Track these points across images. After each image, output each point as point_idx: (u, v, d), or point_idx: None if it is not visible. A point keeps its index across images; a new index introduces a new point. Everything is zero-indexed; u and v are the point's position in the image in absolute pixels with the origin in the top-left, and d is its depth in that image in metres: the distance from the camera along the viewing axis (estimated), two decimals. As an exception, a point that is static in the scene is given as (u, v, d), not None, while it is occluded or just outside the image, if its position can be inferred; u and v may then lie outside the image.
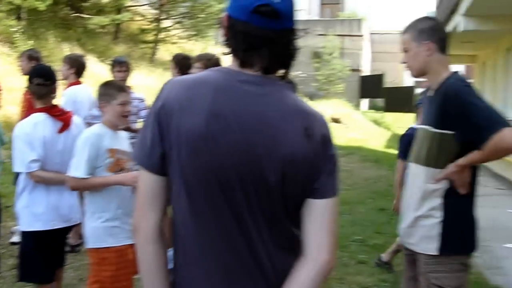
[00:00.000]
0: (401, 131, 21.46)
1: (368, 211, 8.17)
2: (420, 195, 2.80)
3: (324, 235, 1.55)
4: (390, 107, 25.60)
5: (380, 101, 28.17)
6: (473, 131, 2.56)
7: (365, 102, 29.55)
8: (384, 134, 21.43)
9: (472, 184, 2.78)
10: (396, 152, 5.19)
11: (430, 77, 2.84)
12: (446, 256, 2.75)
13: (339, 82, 25.92)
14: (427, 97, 2.92)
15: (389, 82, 28.43)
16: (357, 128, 20.33)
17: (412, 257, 2.94)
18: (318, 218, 1.55)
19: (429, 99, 2.87)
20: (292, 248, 1.57)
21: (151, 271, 1.57)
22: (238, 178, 1.48)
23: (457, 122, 2.63)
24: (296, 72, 23.27)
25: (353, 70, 27.25)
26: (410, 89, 25.00)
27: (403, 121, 23.02)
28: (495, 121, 2.52)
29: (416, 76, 2.93)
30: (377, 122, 24.43)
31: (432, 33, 2.78)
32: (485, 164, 14.13)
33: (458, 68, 29.02)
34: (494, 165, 13.52)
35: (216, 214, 1.50)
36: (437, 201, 2.75)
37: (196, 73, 1.61)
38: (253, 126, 1.47)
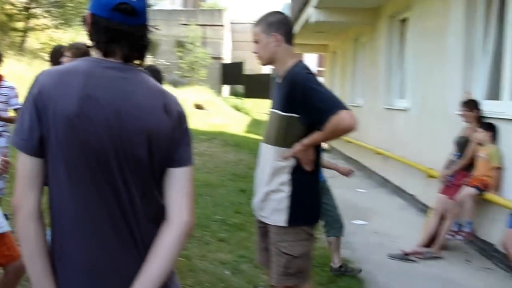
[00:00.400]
0: (260, 116, 22.08)
1: (228, 193, 8.39)
2: (270, 172, 3.01)
3: (184, 199, 1.72)
4: (249, 94, 26.25)
5: (240, 88, 28.77)
6: (315, 114, 2.82)
7: (226, 89, 30.01)
8: (244, 119, 21.91)
9: (315, 162, 3.02)
10: (255, 136, 5.41)
11: (277, 65, 3.06)
12: (293, 227, 2.99)
13: (202, 70, 26.13)
14: (275, 83, 3.12)
15: (248, 69, 29.08)
16: (219, 114, 20.61)
17: (265, 229, 3.14)
18: (178, 185, 1.72)
19: (277, 85, 3.07)
20: (160, 219, 1.72)
21: (33, 248, 1.65)
22: (112, 153, 1.63)
23: (301, 106, 2.86)
24: (160, 60, 23.07)
25: (215, 58, 27.64)
26: (268, 76, 25.71)
27: (262, 107, 23.70)
28: (333, 105, 2.77)
29: (265, 64, 3.16)
30: (237, 108, 24.95)
31: (279, 26, 3.00)
32: (338, 148, 15.01)
33: (311, 56, 30.36)
34: (345, 149, 14.41)
35: (94, 187, 1.63)
36: (286, 177, 2.98)
37: (67, 62, 1.79)
38: (121, 105, 1.64)
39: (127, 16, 1.66)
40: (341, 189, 9.86)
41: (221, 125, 17.81)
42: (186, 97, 19.55)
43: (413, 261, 5.94)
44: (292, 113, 2.91)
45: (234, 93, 30.07)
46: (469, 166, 6.02)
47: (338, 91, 16.07)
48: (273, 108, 3.07)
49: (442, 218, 6.17)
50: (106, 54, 1.70)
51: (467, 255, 6.22)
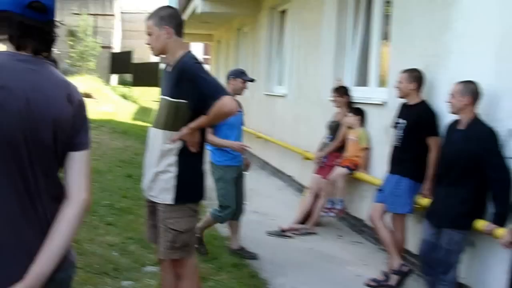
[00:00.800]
0: (148, 104, 21.58)
1: (116, 178, 8.27)
2: (159, 154, 3.11)
3: (82, 179, 1.82)
4: (137, 82, 25.69)
5: (128, 76, 28.02)
6: (201, 100, 2.98)
7: (115, 78, 29.12)
8: (131, 107, 21.46)
9: (201, 144, 3.16)
10: (142, 124, 5.41)
11: (168, 56, 3.19)
12: (180, 204, 3.11)
13: (91, 59, 25.14)
14: (166, 72, 3.23)
15: (137, 58, 28.36)
16: (108, 102, 19.96)
17: (153, 207, 3.23)
18: (77, 166, 1.82)
19: (167, 73, 3.20)
20: (61, 198, 1.80)
21: None
22: (22, 138, 1.70)
23: (189, 92, 3.01)
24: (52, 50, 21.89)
25: (105, 47, 26.68)
26: (155, 65, 25.25)
27: (150, 95, 23.29)
28: (217, 91, 2.97)
29: (157, 55, 3.33)
30: (125, 96, 24.36)
31: (170, 20, 3.15)
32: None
33: (198, 45, 30.20)
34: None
35: (4, 169, 1.70)
36: (173, 158, 3.09)
37: None
38: (31, 95, 1.72)
39: (38, 13, 1.76)
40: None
41: (109, 113, 17.30)
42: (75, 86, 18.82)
43: (289, 237, 6.08)
44: (181, 99, 3.04)
45: (122, 82, 29.22)
46: (341, 148, 6.23)
47: (222, 78, 16.07)
48: (163, 95, 3.17)
49: (316, 197, 6.34)
50: (18, 47, 1.78)
51: (339, 231, 6.46)
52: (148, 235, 3.39)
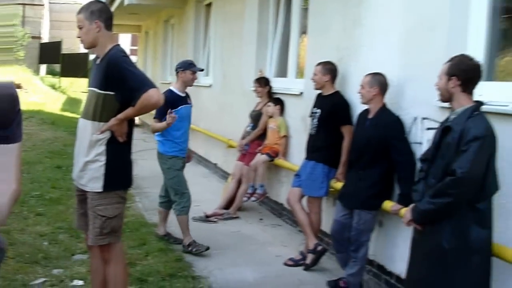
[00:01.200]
0: (76, 95, 20.86)
1: (45, 169, 8.10)
2: (88, 144, 3.12)
3: (14, 170, 1.83)
4: (66, 73, 24.76)
5: (57, 67, 26.94)
6: (128, 92, 3.00)
7: (43, 68, 27.92)
8: (60, 98, 20.71)
9: (129, 134, 3.19)
10: (71, 115, 5.40)
11: (98, 48, 3.20)
12: (108, 191, 3.13)
13: (20, 49, 23.90)
14: (95, 64, 3.23)
15: (66, 48, 27.28)
16: (37, 93, 19.14)
17: (83, 196, 3.23)
18: (10, 159, 1.82)
19: (96, 66, 3.20)
20: None
21: None
22: None
23: (116, 85, 3.03)
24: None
25: (34, 37, 25.44)
26: (84, 56, 24.40)
27: (78, 86, 22.58)
28: (144, 84, 3.00)
29: (87, 48, 3.33)
30: (54, 87, 23.43)
31: (100, 14, 3.16)
32: (148, 122, 14.68)
33: (126, 36, 29.47)
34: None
35: None
36: (102, 148, 3.11)
37: None
38: None
39: None
40: (151, 161, 9.81)
41: (39, 103, 16.64)
42: (3, 77, 17.88)
43: (214, 222, 6.08)
44: (108, 91, 3.05)
45: (51, 72, 28.02)
46: (262, 136, 6.27)
47: (150, 69, 15.81)
48: (91, 87, 3.17)
49: (239, 183, 6.37)
50: None
51: (260, 214, 6.54)
52: (77, 223, 3.40)
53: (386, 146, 3.91)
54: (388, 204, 3.94)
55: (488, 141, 2.84)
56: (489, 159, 2.84)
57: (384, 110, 4.03)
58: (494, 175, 2.89)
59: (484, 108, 3.02)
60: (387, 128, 3.92)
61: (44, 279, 4.09)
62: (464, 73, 2.95)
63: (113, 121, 3.06)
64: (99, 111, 3.08)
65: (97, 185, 3.11)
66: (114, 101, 3.06)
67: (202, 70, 5.41)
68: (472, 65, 2.98)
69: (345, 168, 4.47)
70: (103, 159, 3.10)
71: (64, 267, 4.35)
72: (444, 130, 3.00)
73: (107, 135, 3.09)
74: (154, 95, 2.98)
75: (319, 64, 4.75)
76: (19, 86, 18.54)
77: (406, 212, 3.20)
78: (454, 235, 2.87)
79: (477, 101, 2.98)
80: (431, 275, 2.96)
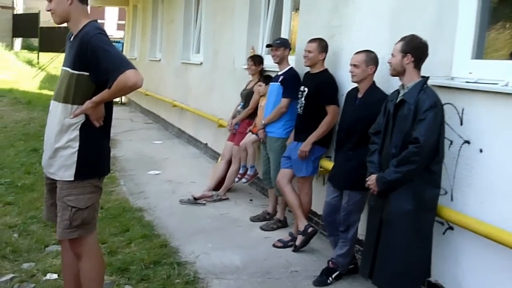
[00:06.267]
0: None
1: (18, 153, 8.07)
2: (59, 129, 3.03)
3: None
4: (46, 47, 24.46)
5: (35, 41, 26.72)
6: (104, 73, 2.88)
7: (18, 42, 27.68)
8: (38, 75, 20.58)
9: (107, 119, 3.13)
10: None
11: (71, 24, 3.08)
12: (80, 180, 3.07)
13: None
14: (69, 41, 3.13)
15: (45, 21, 27.10)
16: (9, 70, 19.08)
17: (53, 185, 3.16)
18: None
19: (70, 43, 3.09)
20: None
21: None
22: None
23: (91, 64, 2.92)
24: None
25: (4, 7, 25.12)
26: (66, 30, 24.22)
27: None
28: (120, 64, 2.86)
29: (58, 23, 3.16)
30: (31, 63, 23.20)
31: None
32: (135, 101, 14.89)
33: (113, 10, 29.26)
34: (143, 102, 14.43)
35: None
36: (75, 133, 3.03)
37: None
38: None
39: None
40: (137, 142, 10.04)
41: (11, 81, 16.59)
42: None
43: (202, 204, 6.33)
44: (82, 71, 2.96)
45: (27, 47, 27.79)
46: (253, 115, 6.50)
47: (139, 46, 15.91)
48: (64, 66, 3.09)
49: (229, 164, 6.62)
50: None
51: (251, 195, 6.83)
52: (46, 214, 3.34)
53: (374, 126, 4.15)
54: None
55: (440, 110, 3.41)
56: (440, 126, 3.40)
57: (374, 89, 4.26)
58: (443, 141, 3.46)
59: (473, 86, 3.52)
60: (377, 107, 4.09)
61: (12, 275, 4.01)
62: (417, 50, 3.54)
63: (87, 104, 2.98)
64: (72, 93, 2.99)
65: (67, 174, 3.04)
66: (88, 82, 2.98)
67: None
68: (423, 44, 3.57)
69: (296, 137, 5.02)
70: (75, 145, 3.02)
71: (35, 260, 4.31)
72: (398, 103, 3.54)
73: (81, 119, 3.02)
74: (131, 77, 2.84)
75: (314, 40, 4.94)
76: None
77: (371, 183, 3.68)
78: (415, 197, 3.42)
79: (423, 76, 3.55)
80: (396, 237, 3.49)
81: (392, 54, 3.62)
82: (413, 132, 3.37)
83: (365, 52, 4.25)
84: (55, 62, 21.96)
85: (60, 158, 3.04)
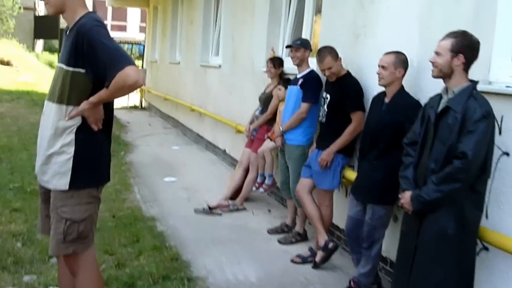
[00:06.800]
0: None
1: (31, 157, 7.86)
2: (52, 132, 2.78)
3: None
4: (66, 49, 24.67)
5: (56, 43, 26.94)
6: (101, 69, 2.61)
7: (40, 44, 27.95)
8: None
9: (106, 121, 2.86)
10: None
11: (67, 15, 2.83)
12: (75, 190, 2.80)
13: (9, 21, 23.68)
14: (65, 35, 2.88)
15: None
16: (30, 71, 19.20)
17: (47, 195, 2.90)
18: None
19: (66, 37, 2.83)
20: None
21: None
22: None
23: (87, 60, 2.67)
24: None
25: (26, 8, 25.31)
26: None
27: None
28: (119, 60, 2.58)
29: (53, 14, 2.91)
30: (52, 65, 23.36)
31: None
32: (155, 105, 14.79)
33: (135, 11, 29.33)
34: (162, 106, 14.30)
35: None
36: (70, 137, 2.77)
37: None
38: None
39: None
40: (156, 147, 9.93)
41: (31, 83, 16.65)
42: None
43: (218, 214, 6.09)
44: (78, 67, 2.70)
45: (49, 49, 28.05)
46: (272, 120, 6.23)
47: (159, 48, 15.82)
48: (59, 62, 2.85)
49: (247, 171, 6.37)
50: None
51: (269, 205, 6.58)
52: (41, 227, 3.09)
53: (404, 133, 3.83)
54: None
55: (492, 121, 2.95)
56: (490, 140, 2.95)
57: (402, 93, 3.96)
58: (491, 157, 3.00)
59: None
60: (405, 112, 3.79)
61: (11, 288, 3.81)
62: (469, 50, 3.05)
63: (84, 104, 2.71)
64: (67, 92, 2.73)
65: (61, 182, 2.78)
66: (85, 80, 2.72)
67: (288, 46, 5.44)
68: (476, 43, 3.07)
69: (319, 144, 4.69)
70: (71, 150, 2.76)
71: (38, 272, 4.11)
72: (442, 111, 3.07)
73: (76, 121, 2.75)
74: (131, 75, 2.56)
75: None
76: (8, 63, 18.39)
77: (404, 202, 3.23)
78: (457, 220, 2.96)
79: (472, 80, 3.07)
80: (435, 266, 3.03)
81: (437, 53, 3.11)
82: (459, 145, 2.90)
83: (395, 53, 3.95)
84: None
85: (54, 165, 2.78)
